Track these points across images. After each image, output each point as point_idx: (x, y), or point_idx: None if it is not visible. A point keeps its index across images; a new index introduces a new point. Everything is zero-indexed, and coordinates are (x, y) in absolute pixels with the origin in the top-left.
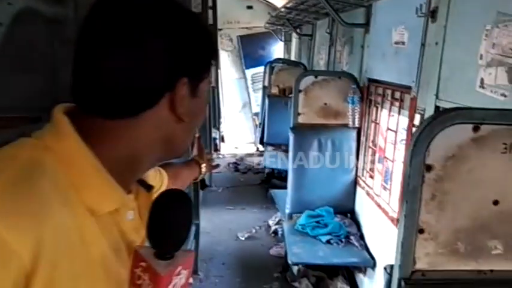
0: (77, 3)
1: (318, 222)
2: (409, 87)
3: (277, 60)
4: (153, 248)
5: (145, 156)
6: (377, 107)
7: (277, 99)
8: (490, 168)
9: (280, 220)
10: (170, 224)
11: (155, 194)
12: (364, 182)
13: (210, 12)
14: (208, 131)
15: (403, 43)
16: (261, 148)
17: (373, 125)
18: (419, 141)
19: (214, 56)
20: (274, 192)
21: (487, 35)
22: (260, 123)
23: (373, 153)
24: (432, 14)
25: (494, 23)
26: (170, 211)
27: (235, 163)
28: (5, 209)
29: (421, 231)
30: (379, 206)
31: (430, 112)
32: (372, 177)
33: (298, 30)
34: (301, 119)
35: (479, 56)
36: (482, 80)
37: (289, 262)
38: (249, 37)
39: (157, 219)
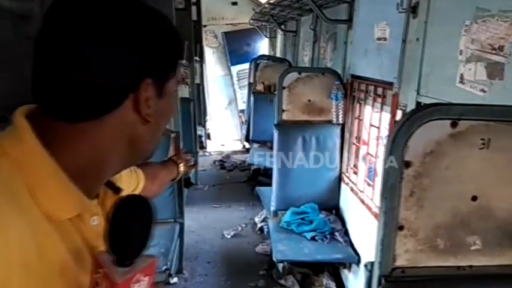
0: None
1: (303, 219)
2: (391, 84)
3: (262, 56)
4: (112, 255)
5: (110, 159)
6: (360, 103)
7: (263, 96)
8: (468, 164)
9: (266, 217)
10: (128, 230)
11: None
12: (348, 178)
13: (194, 8)
14: (193, 128)
15: (385, 39)
16: (247, 145)
17: (356, 121)
18: (397, 138)
19: (181, 55)
20: (260, 189)
21: (466, 30)
22: (246, 121)
23: (357, 150)
24: (413, 10)
25: (473, 18)
26: (128, 218)
27: (221, 160)
28: None
29: (401, 228)
30: (362, 202)
31: (411, 108)
32: (355, 173)
33: (282, 27)
34: (285, 116)
35: (459, 51)
36: (462, 76)
37: (274, 260)
38: (234, 33)
39: (115, 226)
